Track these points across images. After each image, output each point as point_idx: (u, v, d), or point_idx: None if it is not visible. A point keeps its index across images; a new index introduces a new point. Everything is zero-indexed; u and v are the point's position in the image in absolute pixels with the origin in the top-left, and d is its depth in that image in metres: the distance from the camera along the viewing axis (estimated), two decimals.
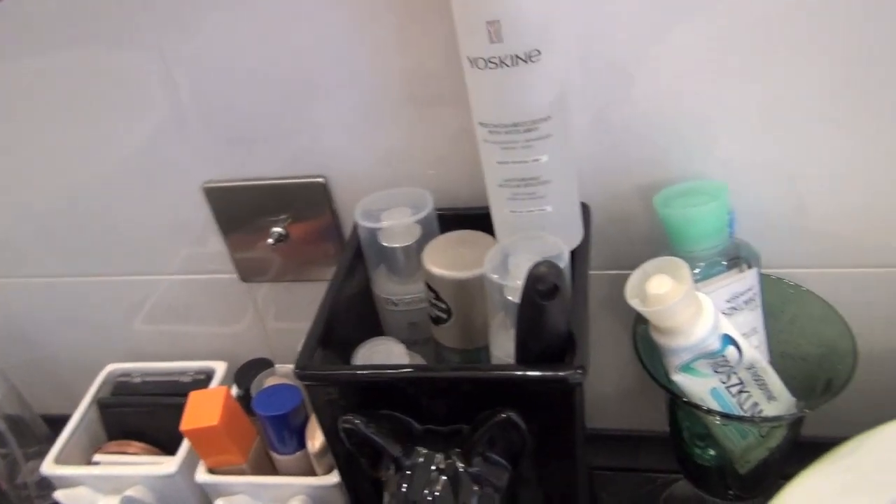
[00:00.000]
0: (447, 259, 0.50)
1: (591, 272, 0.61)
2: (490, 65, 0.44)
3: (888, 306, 0.59)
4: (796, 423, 0.53)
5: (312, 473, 0.60)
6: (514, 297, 0.44)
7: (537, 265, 0.40)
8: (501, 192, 0.49)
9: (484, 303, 0.49)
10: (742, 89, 0.51)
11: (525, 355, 0.44)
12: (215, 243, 0.68)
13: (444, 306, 0.50)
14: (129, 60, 0.58)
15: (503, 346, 0.48)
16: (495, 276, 0.46)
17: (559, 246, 0.47)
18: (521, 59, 0.43)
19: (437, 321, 0.52)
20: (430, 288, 0.51)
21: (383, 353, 0.49)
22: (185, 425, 0.58)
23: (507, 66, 0.44)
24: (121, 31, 0.56)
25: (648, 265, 0.48)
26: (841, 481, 0.48)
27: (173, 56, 0.57)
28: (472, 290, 0.49)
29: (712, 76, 0.51)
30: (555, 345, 0.43)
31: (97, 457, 0.68)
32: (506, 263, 0.47)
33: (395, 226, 0.53)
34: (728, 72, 0.51)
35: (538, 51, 0.43)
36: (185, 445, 0.64)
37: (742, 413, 0.51)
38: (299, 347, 0.48)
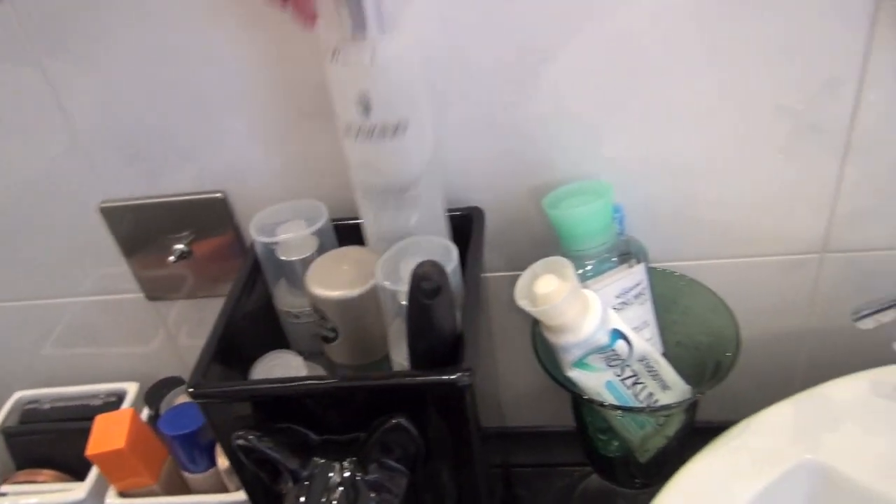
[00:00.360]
0: (330, 279, 0.50)
1: (494, 274, 0.63)
2: (361, 135, 0.46)
3: (773, 292, 0.62)
4: (690, 409, 0.55)
5: (225, 490, 0.60)
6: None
7: (420, 265, 0.41)
8: (379, 243, 0.51)
9: (371, 319, 0.49)
10: (624, 91, 0.53)
11: (416, 355, 0.44)
12: (119, 263, 0.67)
13: (330, 325, 0.50)
14: (16, 83, 0.57)
15: (403, 352, 0.49)
16: (387, 283, 0.47)
17: (448, 246, 0.48)
18: (390, 130, 0.46)
19: (325, 340, 0.52)
20: (315, 309, 0.51)
21: (281, 367, 0.50)
22: (91, 450, 0.58)
23: (378, 137, 0.46)
24: (3, 51, 0.55)
25: (537, 266, 0.49)
26: (731, 461, 0.50)
27: (59, 76, 0.56)
28: (358, 308, 0.49)
29: (596, 79, 0.53)
30: (444, 344, 0.44)
31: (5, 487, 0.66)
32: (398, 270, 0.48)
33: (292, 239, 0.53)
34: (610, 74, 0.52)
35: (407, 121, 0.46)
36: (94, 470, 0.62)
37: (638, 404, 0.52)
38: None
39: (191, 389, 0.45)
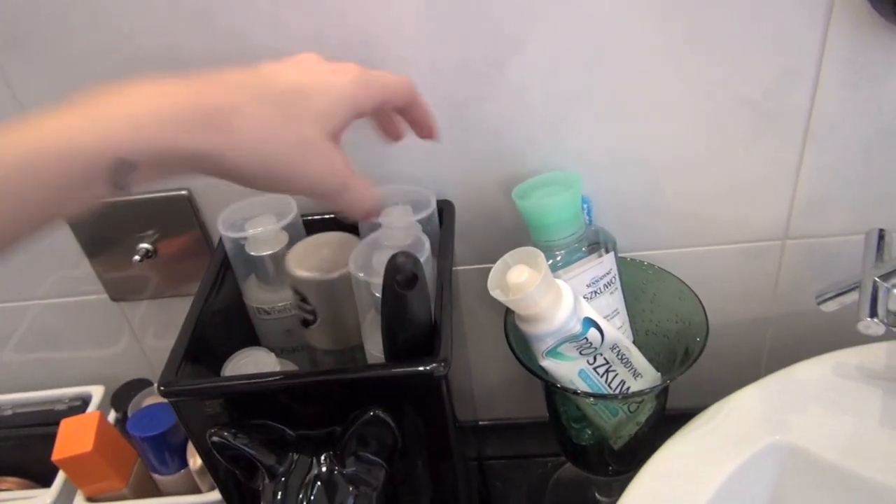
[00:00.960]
0: (311, 261, 0.50)
1: (465, 267, 0.63)
2: None
3: (738, 279, 0.63)
4: (661, 395, 0.56)
5: (197, 491, 0.59)
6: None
7: (395, 256, 0.41)
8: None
9: (351, 303, 0.49)
10: (590, 82, 0.54)
11: (392, 346, 0.44)
12: (82, 264, 0.65)
13: (310, 308, 0.50)
14: None
15: (377, 344, 0.49)
16: (361, 275, 0.47)
17: (420, 238, 0.48)
18: None
19: (305, 323, 0.52)
20: (295, 291, 0.51)
21: (253, 364, 0.49)
22: (57, 454, 0.56)
23: None
24: None
25: (508, 256, 0.49)
26: (701, 445, 0.51)
27: (14, 73, 0.55)
28: (338, 291, 0.49)
29: (561, 71, 0.53)
30: (420, 334, 0.44)
31: None
32: (370, 261, 0.48)
33: (261, 234, 0.53)
34: (575, 66, 0.53)
35: None
36: (60, 476, 0.61)
37: (610, 391, 0.53)
38: None
39: (162, 388, 0.44)
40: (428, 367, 0.43)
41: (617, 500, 0.65)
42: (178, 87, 0.32)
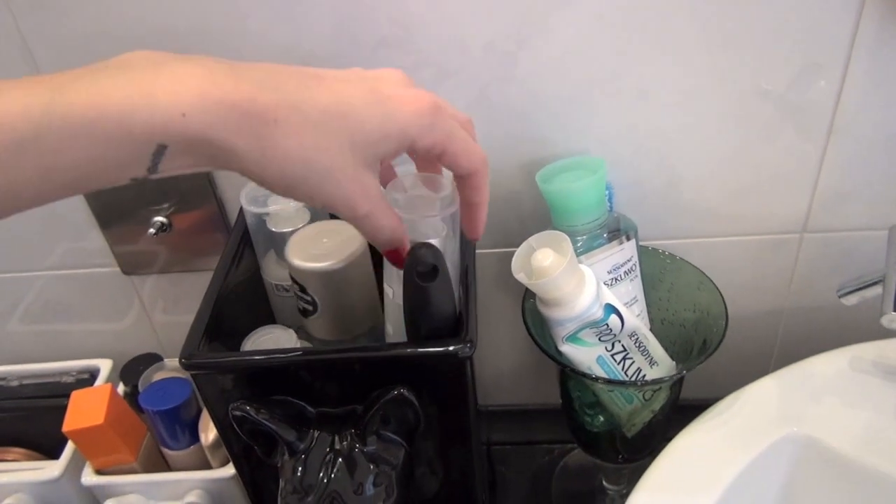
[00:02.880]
0: (311, 251, 0.49)
1: (481, 251, 0.63)
2: None
3: (755, 271, 0.63)
4: (676, 384, 0.56)
5: (207, 467, 0.59)
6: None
7: (415, 247, 0.40)
8: None
9: (352, 293, 0.49)
10: (613, 70, 0.54)
11: (416, 335, 0.44)
12: (94, 236, 0.65)
13: (309, 298, 0.49)
14: None
15: (394, 322, 0.49)
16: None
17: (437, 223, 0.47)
18: None
19: (304, 313, 0.51)
20: (294, 280, 0.50)
21: (272, 342, 0.49)
22: (67, 426, 0.56)
23: None
24: None
25: (533, 240, 0.49)
26: (718, 435, 0.51)
27: (31, 30, 0.54)
28: (337, 281, 0.49)
29: (588, 56, 0.53)
30: (444, 323, 0.44)
31: None
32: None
33: (283, 210, 0.52)
34: (605, 51, 0.53)
35: None
36: (69, 448, 0.61)
37: (626, 379, 0.53)
38: None
39: (184, 360, 0.44)
40: (453, 348, 0.43)
41: (625, 488, 0.66)
42: (228, 77, 0.31)
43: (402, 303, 0.46)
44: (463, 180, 0.41)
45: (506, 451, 0.72)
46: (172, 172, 0.32)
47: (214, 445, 0.57)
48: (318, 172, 0.34)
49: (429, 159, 0.41)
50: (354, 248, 0.49)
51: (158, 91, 0.29)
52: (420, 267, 0.40)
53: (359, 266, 0.50)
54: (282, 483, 0.45)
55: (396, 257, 0.41)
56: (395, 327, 0.50)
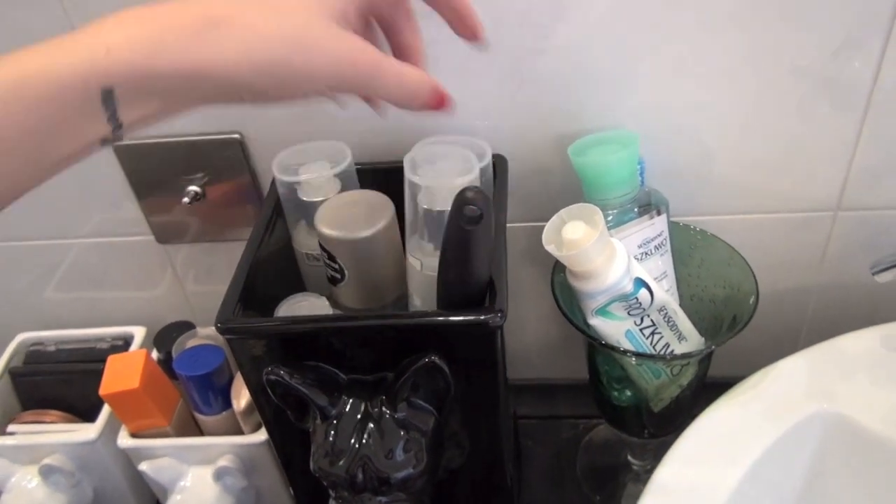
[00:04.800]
0: (339, 219, 0.50)
1: (510, 224, 0.63)
2: None
3: (785, 249, 0.63)
4: (705, 360, 0.56)
5: (239, 433, 0.60)
6: (431, 205, 0.45)
7: (464, 190, 0.39)
8: None
9: (379, 262, 0.49)
10: (652, 43, 0.53)
11: (446, 283, 0.44)
12: (130, 204, 0.66)
13: (337, 266, 0.50)
14: (29, 16, 0.55)
15: (422, 293, 0.50)
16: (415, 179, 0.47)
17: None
18: None
19: (332, 281, 0.51)
20: (322, 248, 0.50)
21: (305, 309, 0.49)
22: (104, 389, 0.57)
23: None
24: None
25: (564, 212, 0.49)
26: (746, 412, 0.51)
27: (75, 7, 0.54)
28: (365, 250, 0.49)
29: (624, 29, 0.52)
30: (476, 281, 0.44)
31: (12, 427, 0.65)
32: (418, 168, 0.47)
33: (314, 179, 0.53)
34: (639, 24, 0.52)
35: None
36: (105, 411, 0.62)
37: (655, 353, 0.53)
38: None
39: (219, 325, 0.45)
40: (484, 317, 0.43)
41: (650, 463, 0.66)
42: (153, 10, 0.30)
43: (429, 272, 0.46)
44: (454, 17, 0.39)
45: (531, 425, 0.72)
46: (146, 122, 0.31)
47: (246, 411, 0.58)
48: (285, 41, 0.31)
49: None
50: (383, 218, 0.49)
51: (78, 41, 0.29)
52: (467, 210, 0.39)
53: (387, 235, 0.50)
54: (313, 447, 0.46)
55: (440, 101, 0.36)
56: (423, 299, 0.51)
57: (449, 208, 0.41)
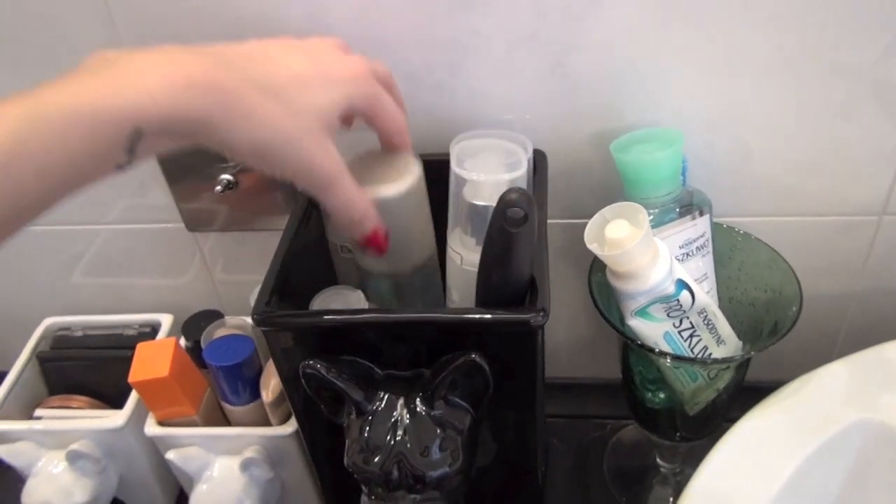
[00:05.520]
0: (366, 176, 0.46)
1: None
2: None
3: (827, 253, 0.62)
4: (743, 365, 0.55)
5: (266, 424, 0.59)
6: (477, 199, 0.46)
7: (508, 191, 0.39)
8: None
9: (404, 224, 0.48)
10: (696, 40, 0.52)
11: (486, 285, 0.43)
12: (160, 191, 0.65)
13: None
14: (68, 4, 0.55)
15: (460, 288, 0.49)
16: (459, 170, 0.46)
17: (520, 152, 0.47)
18: None
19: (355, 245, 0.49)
20: None
21: (340, 302, 0.49)
22: (133, 377, 0.57)
23: None
24: None
25: (607, 210, 0.48)
26: (786, 419, 0.50)
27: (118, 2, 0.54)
28: (391, 210, 0.46)
29: (668, 26, 0.51)
30: (516, 281, 0.43)
31: (39, 411, 0.65)
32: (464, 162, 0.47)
33: None
34: (683, 21, 0.51)
35: None
36: (132, 398, 0.62)
37: (693, 356, 0.52)
38: (251, 298, 0.47)
39: (256, 316, 0.44)
40: (526, 316, 0.42)
41: (679, 466, 0.66)
42: (190, 60, 0.34)
43: (469, 267, 0.45)
44: (386, 137, 0.45)
45: (558, 424, 0.71)
46: (151, 154, 0.35)
47: (274, 403, 0.58)
48: (284, 139, 0.37)
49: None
50: (409, 178, 0.47)
51: (130, 81, 0.32)
52: (511, 212, 0.39)
53: (413, 197, 0.48)
54: (348, 442, 0.45)
55: (374, 241, 0.43)
56: (461, 294, 0.50)
57: (494, 204, 0.40)
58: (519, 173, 0.45)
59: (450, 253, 0.48)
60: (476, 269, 0.44)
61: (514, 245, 0.40)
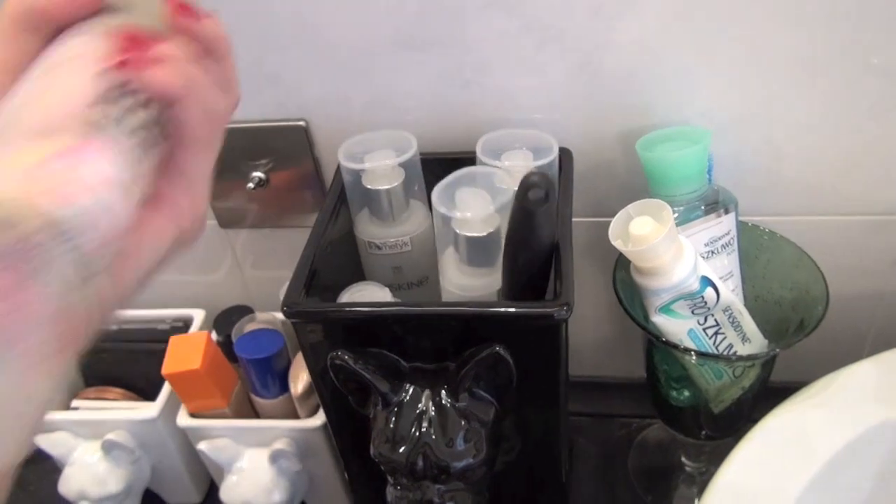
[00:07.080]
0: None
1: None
2: None
3: (856, 252, 0.61)
4: (768, 363, 0.55)
5: (295, 417, 0.60)
6: (462, 230, 0.47)
7: (529, 174, 0.41)
8: None
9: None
10: (723, 38, 0.52)
11: (514, 267, 0.45)
12: None
13: None
14: None
15: (452, 278, 0.50)
16: (443, 209, 0.47)
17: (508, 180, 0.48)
18: None
19: None
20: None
21: (367, 298, 0.50)
22: (166, 369, 0.58)
23: None
24: None
25: (632, 207, 0.48)
26: (813, 416, 0.50)
27: None
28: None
29: (696, 24, 0.52)
30: (540, 260, 0.44)
31: (75, 402, 0.67)
32: (453, 197, 0.48)
33: (379, 167, 0.53)
34: (712, 20, 0.51)
35: None
36: (165, 390, 0.63)
37: (718, 353, 0.52)
38: (280, 293, 0.48)
39: (286, 308, 0.45)
40: (550, 309, 0.43)
41: (704, 466, 0.65)
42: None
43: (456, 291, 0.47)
44: None
45: (582, 423, 0.72)
46: None
47: (303, 396, 0.59)
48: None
49: None
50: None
51: None
52: (532, 192, 0.41)
53: None
54: (374, 433, 0.46)
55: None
56: (448, 281, 0.51)
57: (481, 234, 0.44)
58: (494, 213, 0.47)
59: (443, 283, 0.50)
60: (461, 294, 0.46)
61: (535, 223, 0.42)
